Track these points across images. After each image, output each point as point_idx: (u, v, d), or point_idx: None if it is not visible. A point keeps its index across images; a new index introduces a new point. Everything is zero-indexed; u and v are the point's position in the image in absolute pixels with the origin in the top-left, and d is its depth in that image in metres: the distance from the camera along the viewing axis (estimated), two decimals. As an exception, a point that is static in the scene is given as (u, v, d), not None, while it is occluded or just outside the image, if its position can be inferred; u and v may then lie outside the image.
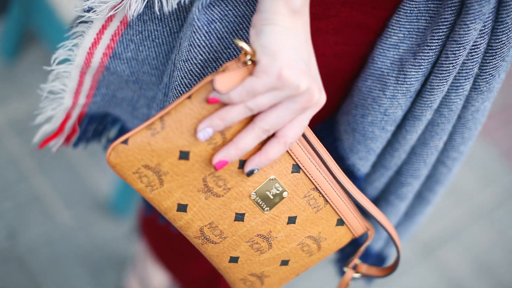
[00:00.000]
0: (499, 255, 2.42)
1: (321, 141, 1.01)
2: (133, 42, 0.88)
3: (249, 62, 0.67)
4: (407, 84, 0.86)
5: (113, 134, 1.06)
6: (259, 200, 0.78)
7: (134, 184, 0.75)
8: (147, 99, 0.95)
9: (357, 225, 0.87)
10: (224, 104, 0.68)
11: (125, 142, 0.72)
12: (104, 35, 0.86)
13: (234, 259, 0.85)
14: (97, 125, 1.03)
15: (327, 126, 1.00)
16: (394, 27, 0.84)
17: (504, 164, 2.73)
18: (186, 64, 0.79)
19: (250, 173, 0.73)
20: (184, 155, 0.72)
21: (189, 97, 0.69)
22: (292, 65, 0.65)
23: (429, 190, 1.04)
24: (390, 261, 1.15)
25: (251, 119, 0.70)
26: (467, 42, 0.79)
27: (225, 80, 0.65)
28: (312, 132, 0.77)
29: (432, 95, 0.85)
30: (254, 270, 0.87)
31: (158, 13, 0.83)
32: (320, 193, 0.81)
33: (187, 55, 0.78)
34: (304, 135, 0.76)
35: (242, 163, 0.74)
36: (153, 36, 0.87)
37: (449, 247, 2.38)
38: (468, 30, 0.78)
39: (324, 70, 0.91)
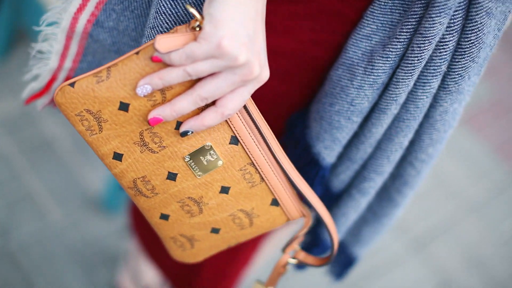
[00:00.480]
0: (490, 249, 2.43)
1: (293, 129, 1.01)
2: (114, 12, 0.90)
3: (198, 29, 0.68)
4: (374, 75, 0.86)
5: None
6: (193, 164, 0.80)
7: (75, 126, 0.78)
8: None
9: (292, 208, 0.88)
10: (167, 66, 0.70)
11: (71, 85, 0.75)
12: (90, 2, 0.89)
13: (164, 217, 0.87)
14: None
15: (302, 115, 1.01)
16: (368, 18, 0.85)
17: (495, 159, 2.74)
18: (153, 31, 0.80)
19: (184, 134, 0.75)
20: (123, 107, 0.75)
21: (136, 53, 0.72)
22: (234, 36, 0.66)
23: (398, 191, 1.04)
24: (360, 262, 1.16)
25: (193, 84, 0.72)
26: (432, 36, 0.79)
27: (167, 41, 0.67)
28: (256, 108, 0.78)
29: (397, 88, 0.85)
30: (184, 232, 0.90)
31: None
32: (257, 169, 0.82)
33: (153, 22, 0.79)
34: (247, 110, 0.77)
35: (179, 125, 0.76)
36: (132, 7, 0.89)
37: (440, 241, 2.38)
38: (433, 24, 0.78)
39: (300, 57, 0.92)
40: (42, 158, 2.12)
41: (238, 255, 1.34)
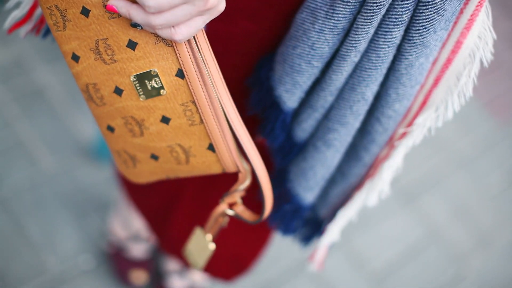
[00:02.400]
0: (477, 202, 2.46)
1: (258, 70, 1.01)
2: None
3: None
4: (334, 19, 0.85)
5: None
6: (138, 85, 0.82)
7: (46, 18, 0.82)
8: None
9: (228, 160, 0.88)
10: None
11: None
12: None
13: (110, 128, 0.91)
14: None
15: (270, 57, 1.00)
16: None
17: (483, 114, 2.75)
18: None
19: (134, 25, 0.76)
20: (84, 11, 0.77)
21: None
22: None
23: (365, 149, 1.03)
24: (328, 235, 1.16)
25: None
26: None
27: None
28: (210, 48, 0.79)
29: (357, 34, 0.85)
30: (128, 149, 0.93)
31: None
32: (197, 109, 0.83)
33: None
34: (198, 46, 0.77)
35: (130, 43, 0.78)
36: None
37: (428, 194, 2.41)
38: None
39: None
40: (34, 106, 2.13)
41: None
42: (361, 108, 0.95)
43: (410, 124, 1.01)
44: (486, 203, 2.47)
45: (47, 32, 1.07)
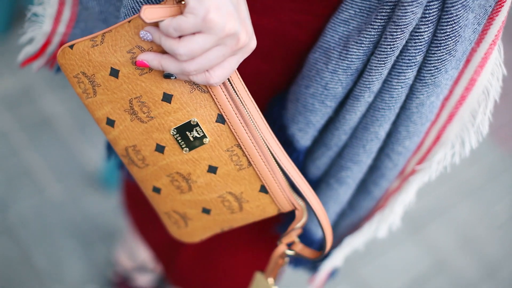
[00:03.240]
0: (484, 231, 2.44)
1: (271, 109, 1.00)
2: None
3: (183, 2, 0.69)
4: (348, 60, 0.85)
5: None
6: (179, 138, 0.81)
7: (74, 88, 0.81)
8: None
9: (282, 198, 0.86)
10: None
11: (71, 46, 0.77)
12: None
13: (156, 190, 0.88)
14: None
15: (282, 96, 1.00)
16: (346, 3, 0.84)
17: (490, 143, 2.75)
18: (129, 1, 0.80)
19: (167, 76, 0.75)
20: (114, 72, 0.77)
21: (129, 21, 0.73)
22: (219, 7, 0.66)
23: (374, 183, 1.03)
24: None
25: None
26: (404, 24, 0.78)
27: (152, 11, 0.67)
28: (245, 87, 0.78)
29: (371, 75, 0.84)
30: (177, 208, 0.90)
31: None
32: (244, 152, 0.81)
33: None
34: (234, 88, 0.77)
35: (165, 96, 0.77)
36: None
37: (435, 223, 2.39)
38: (405, 12, 0.77)
39: (281, 38, 0.91)
40: (42, 134, 2.13)
41: (221, 244, 1.32)
42: (374, 147, 0.95)
43: (422, 159, 1.01)
44: (494, 232, 2.45)
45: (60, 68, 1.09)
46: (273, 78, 0.99)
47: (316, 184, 1.05)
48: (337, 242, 1.17)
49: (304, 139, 0.97)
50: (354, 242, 1.13)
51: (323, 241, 0.91)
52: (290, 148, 0.99)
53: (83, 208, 2.01)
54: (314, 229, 1.09)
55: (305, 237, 1.11)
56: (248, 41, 0.72)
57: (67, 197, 2.01)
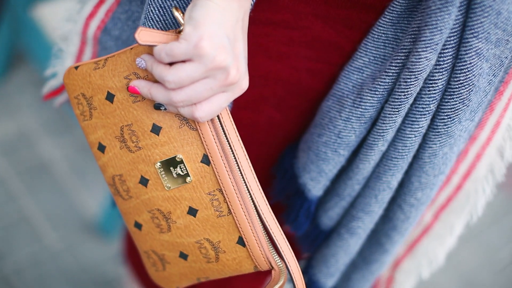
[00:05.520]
0: (488, 276, 2.42)
1: (282, 158, 1.00)
2: (120, 21, 0.93)
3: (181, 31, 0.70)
4: (361, 108, 0.85)
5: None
6: (163, 173, 0.80)
7: (74, 109, 0.82)
8: None
9: (259, 255, 0.82)
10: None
11: (76, 67, 0.79)
12: (100, 9, 0.93)
13: (138, 225, 0.87)
14: None
15: (294, 146, 0.99)
16: (361, 51, 0.84)
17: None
18: None
19: (157, 107, 0.75)
20: (110, 97, 0.78)
21: (131, 48, 0.75)
22: (212, 37, 0.67)
23: (386, 236, 1.01)
24: None
25: None
26: (418, 71, 0.78)
27: (147, 33, 0.69)
28: (236, 132, 0.77)
29: (384, 124, 0.84)
30: (156, 248, 0.88)
31: None
32: (225, 198, 0.79)
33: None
34: (224, 130, 0.76)
35: (154, 127, 0.77)
36: (134, 17, 0.91)
37: (438, 268, 2.37)
38: (419, 59, 0.76)
39: (295, 86, 0.91)
40: (39, 180, 2.11)
41: None
42: (386, 197, 0.94)
43: (450, 198, 1.01)
44: (496, 276, 2.43)
45: None
46: (286, 127, 0.98)
47: (327, 235, 1.03)
48: None
49: (316, 188, 0.96)
50: None
51: None
52: (301, 197, 0.98)
53: (80, 257, 1.98)
54: (323, 281, 1.07)
55: None
56: (239, 79, 0.71)
57: (64, 245, 1.99)
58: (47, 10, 1.95)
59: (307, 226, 1.02)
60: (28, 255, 1.94)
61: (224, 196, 0.79)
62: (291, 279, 0.83)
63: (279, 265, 0.83)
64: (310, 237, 1.04)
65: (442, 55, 0.78)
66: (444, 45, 0.77)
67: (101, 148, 0.82)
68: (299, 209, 0.99)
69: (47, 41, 1.89)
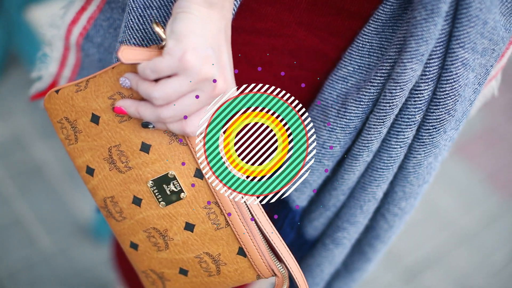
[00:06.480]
0: (482, 279, 2.42)
1: None
2: (102, 28, 0.92)
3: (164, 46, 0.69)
4: (346, 118, 0.84)
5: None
6: (156, 191, 0.79)
7: (58, 133, 0.80)
8: None
9: (261, 264, 0.82)
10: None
11: (57, 91, 0.78)
12: (83, 16, 0.93)
13: (134, 245, 0.86)
14: None
15: None
16: (345, 59, 0.83)
17: (486, 188, 2.74)
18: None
19: (145, 125, 0.74)
20: (95, 119, 0.76)
21: (113, 68, 0.74)
22: (196, 49, 0.66)
23: (369, 245, 1.01)
24: None
25: None
26: (404, 82, 0.76)
27: (130, 52, 0.68)
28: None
29: (369, 134, 0.83)
30: (154, 267, 0.87)
31: (121, 2, 0.87)
32: (221, 210, 0.79)
33: (122, 37, 0.79)
34: None
35: (143, 146, 0.76)
36: (116, 25, 0.90)
37: (431, 271, 2.37)
38: (405, 69, 0.75)
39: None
40: (32, 183, 2.10)
41: None
42: (371, 207, 0.93)
43: None
44: (490, 279, 2.43)
45: None
46: None
47: (312, 245, 1.03)
48: None
49: (300, 199, 0.95)
50: None
51: None
52: (286, 208, 0.97)
53: (73, 260, 1.97)
54: None
55: None
56: (226, 89, 0.70)
57: (57, 248, 1.98)
58: (41, 13, 1.94)
59: (292, 236, 1.01)
60: (21, 259, 1.93)
61: (220, 209, 0.79)
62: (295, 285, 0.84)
63: (281, 271, 0.83)
64: (295, 246, 1.03)
65: (428, 65, 0.77)
66: (430, 55, 0.76)
67: (90, 171, 0.81)
68: (283, 220, 0.98)
69: (40, 44, 1.89)
